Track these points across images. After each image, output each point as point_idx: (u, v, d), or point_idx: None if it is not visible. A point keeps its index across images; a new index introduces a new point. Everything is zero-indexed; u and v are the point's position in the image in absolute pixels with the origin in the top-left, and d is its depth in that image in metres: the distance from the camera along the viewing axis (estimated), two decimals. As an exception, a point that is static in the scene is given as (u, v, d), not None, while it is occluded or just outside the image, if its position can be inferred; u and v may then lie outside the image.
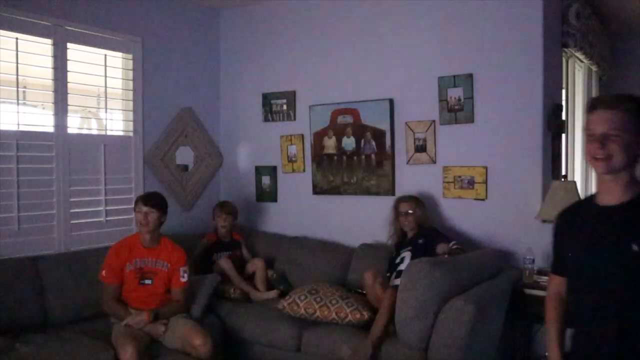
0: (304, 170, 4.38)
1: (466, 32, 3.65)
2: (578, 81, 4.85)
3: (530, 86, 3.47)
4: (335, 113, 4.15)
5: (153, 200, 3.28)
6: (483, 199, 3.63)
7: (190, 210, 4.53)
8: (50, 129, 3.60)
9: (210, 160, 4.73)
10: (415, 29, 3.84)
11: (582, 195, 3.55)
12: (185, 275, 3.31)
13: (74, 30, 3.70)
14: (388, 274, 3.44)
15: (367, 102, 4.01)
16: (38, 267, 3.32)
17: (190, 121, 4.54)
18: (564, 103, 4.15)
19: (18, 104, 3.43)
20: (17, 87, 3.39)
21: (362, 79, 4.06)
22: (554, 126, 3.63)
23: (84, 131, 3.91)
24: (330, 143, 4.20)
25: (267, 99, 4.53)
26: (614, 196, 1.67)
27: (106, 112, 4.01)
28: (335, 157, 4.19)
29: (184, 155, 4.51)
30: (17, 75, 3.37)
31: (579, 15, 3.98)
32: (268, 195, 4.60)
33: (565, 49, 4.06)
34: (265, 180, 4.60)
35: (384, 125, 3.95)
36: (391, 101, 3.93)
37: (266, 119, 4.55)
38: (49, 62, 3.58)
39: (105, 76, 3.88)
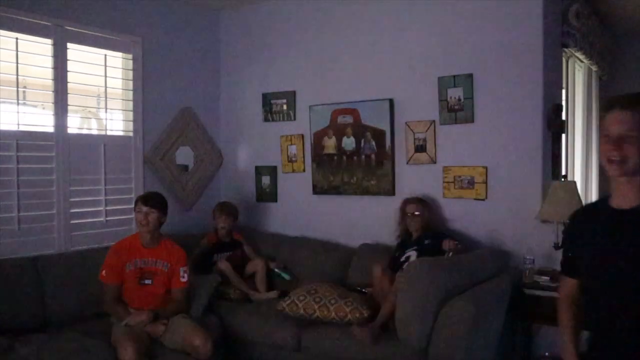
0: (304, 170, 4.38)
1: (466, 32, 3.65)
2: (578, 81, 4.84)
3: (530, 86, 3.46)
4: (335, 113, 4.15)
5: (153, 200, 3.28)
6: (483, 199, 3.63)
7: (190, 210, 4.54)
8: (50, 129, 3.61)
9: (210, 160, 4.73)
10: (415, 29, 3.84)
11: (581, 195, 3.55)
12: (185, 275, 3.32)
13: (74, 30, 3.70)
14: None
15: (367, 102, 4.01)
16: (38, 267, 3.32)
17: (190, 121, 4.54)
18: (564, 103, 4.15)
19: (18, 104, 3.44)
20: (17, 87, 3.40)
21: (362, 79, 4.06)
22: (554, 126, 3.63)
23: (84, 131, 3.92)
24: (330, 143, 4.20)
25: (267, 99, 4.53)
26: (628, 199, 1.63)
27: (106, 112, 4.02)
28: (335, 157, 4.19)
29: (184, 155, 4.51)
30: (17, 75, 3.38)
31: (579, 15, 3.97)
32: (268, 195, 4.60)
33: (565, 49, 4.06)
34: (265, 180, 4.60)
35: (384, 125, 3.95)
36: (391, 101, 3.93)
37: (266, 119, 4.55)
38: (49, 62, 3.59)
39: (105, 76, 3.88)
